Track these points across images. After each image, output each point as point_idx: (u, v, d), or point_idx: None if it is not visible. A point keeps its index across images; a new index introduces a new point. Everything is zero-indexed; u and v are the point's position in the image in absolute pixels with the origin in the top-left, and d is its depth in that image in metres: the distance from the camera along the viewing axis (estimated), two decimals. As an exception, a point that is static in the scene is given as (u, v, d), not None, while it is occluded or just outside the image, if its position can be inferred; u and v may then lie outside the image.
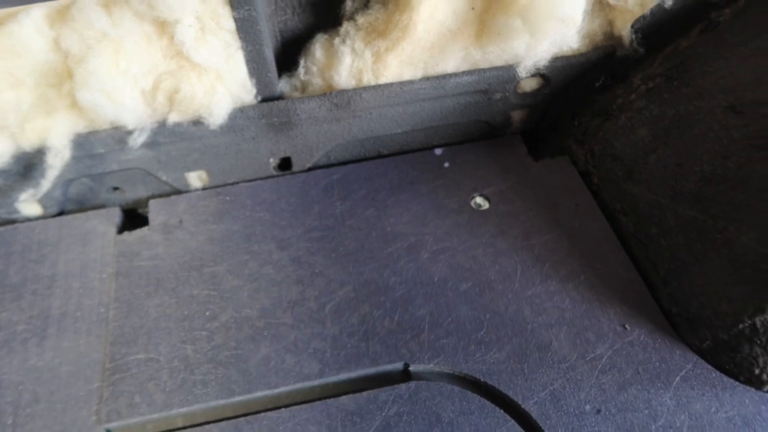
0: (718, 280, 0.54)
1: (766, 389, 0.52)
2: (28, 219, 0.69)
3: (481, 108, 0.69)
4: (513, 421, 0.51)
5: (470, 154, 0.71)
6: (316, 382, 0.55)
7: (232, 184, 0.71)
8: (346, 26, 0.64)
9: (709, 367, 0.54)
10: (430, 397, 0.53)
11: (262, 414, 0.53)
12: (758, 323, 0.51)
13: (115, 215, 0.69)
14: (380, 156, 0.73)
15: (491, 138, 0.73)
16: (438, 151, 0.72)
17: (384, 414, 0.52)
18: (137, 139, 0.63)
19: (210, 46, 0.57)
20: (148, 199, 0.71)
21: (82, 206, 0.71)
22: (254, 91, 0.63)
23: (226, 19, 0.57)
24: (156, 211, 0.69)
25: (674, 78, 0.65)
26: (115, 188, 0.70)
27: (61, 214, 0.70)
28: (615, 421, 0.51)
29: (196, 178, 0.70)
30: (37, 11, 0.55)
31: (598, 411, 0.52)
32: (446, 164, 0.70)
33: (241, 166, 0.70)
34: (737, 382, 0.53)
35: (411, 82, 0.65)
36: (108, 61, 0.54)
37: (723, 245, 0.55)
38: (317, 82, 0.66)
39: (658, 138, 0.63)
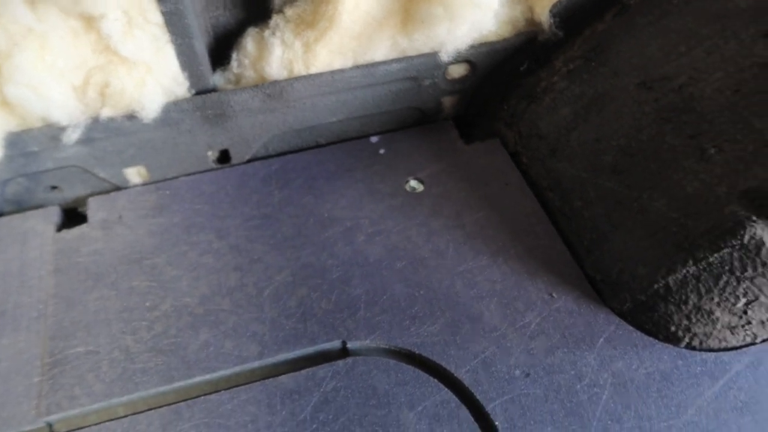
0: (635, 246, 0.57)
1: (682, 345, 0.56)
2: (-36, 222, 0.68)
3: (412, 95, 0.71)
4: (446, 389, 0.53)
5: (405, 140, 0.74)
6: (255, 364, 0.56)
7: (172, 178, 0.72)
8: (275, 19, 0.66)
9: (630, 328, 0.57)
10: (366, 371, 0.54)
11: (202, 398, 0.54)
12: (671, 282, 0.54)
13: (54, 214, 0.69)
14: (318, 146, 0.74)
15: (424, 124, 0.75)
16: (374, 139, 0.74)
17: (322, 390, 0.53)
18: (71, 136, 0.63)
19: (137, 40, 0.58)
20: (87, 197, 0.71)
21: (20, 207, 0.71)
22: (187, 84, 0.65)
23: (153, 13, 0.58)
24: (95, 208, 0.69)
25: (592, 59, 0.69)
26: (53, 187, 0.70)
27: (-2, 215, 0.70)
28: (543, 383, 0.53)
29: (135, 174, 0.71)
30: (-40, 10, 0.55)
31: (527, 375, 0.54)
32: (382, 151, 0.72)
33: (180, 160, 0.70)
34: (656, 340, 0.56)
35: (342, 71, 0.67)
36: (34, 56, 0.54)
37: (638, 213, 0.58)
38: (250, 74, 0.67)
39: (579, 116, 0.66)
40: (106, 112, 0.62)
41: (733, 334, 0.55)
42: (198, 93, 0.66)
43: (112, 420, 0.54)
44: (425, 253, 0.63)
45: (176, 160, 0.70)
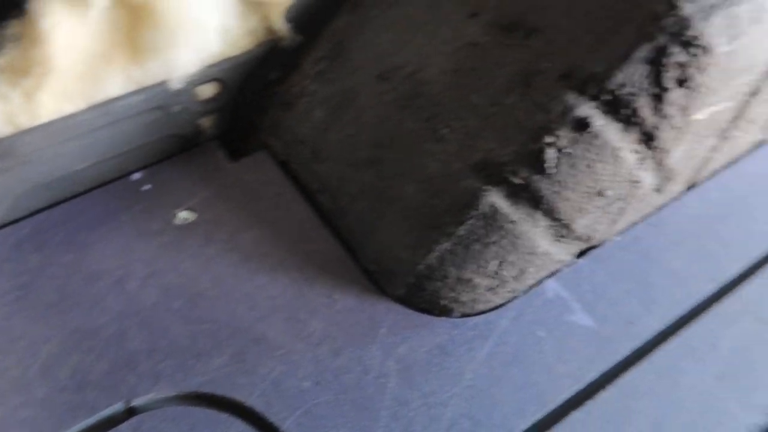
0: (397, 233, 0.60)
1: (455, 315, 0.59)
2: None
3: (164, 124, 0.68)
4: (240, 419, 0.53)
5: (169, 171, 0.71)
6: (30, 452, 0.51)
7: None
8: (-17, 72, 0.60)
9: (409, 311, 0.60)
10: (153, 426, 0.52)
11: (-28, 507, 0.49)
12: (432, 261, 0.58)
13: None
14: (76, 195, 0.69)
15: (187, 150, 0.73)
16: (136, 176, 0.70)
17: (108, 459, 0.50)
18: None
19: None
20: None
21: None
22: None
23: None
24: None
25: (335, 58, 0.70)
26: None
27: None
28: (332, 387, 0.54)
29: None
30: None
31: (318, 383, 0.55)
32: (146, 187, 0.69)
33: None
34: (433, 317, 0.59)
35: (74, 114, 0.62)
36: None
37: (395, 200, 0.61)
38: (-32, 137, 0.61)
39: (332, 116, 0.68)
40: None
41: (495, 294, 0.60)
42: None
43: None
44: (203, 286, 0.61)
45: None
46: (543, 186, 0.54)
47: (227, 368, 0.55)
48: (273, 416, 0.52)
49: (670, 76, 0.51)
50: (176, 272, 0.62)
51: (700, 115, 0.55)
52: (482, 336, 0.57)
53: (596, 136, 0.53)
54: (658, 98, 0.52)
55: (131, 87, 0.65)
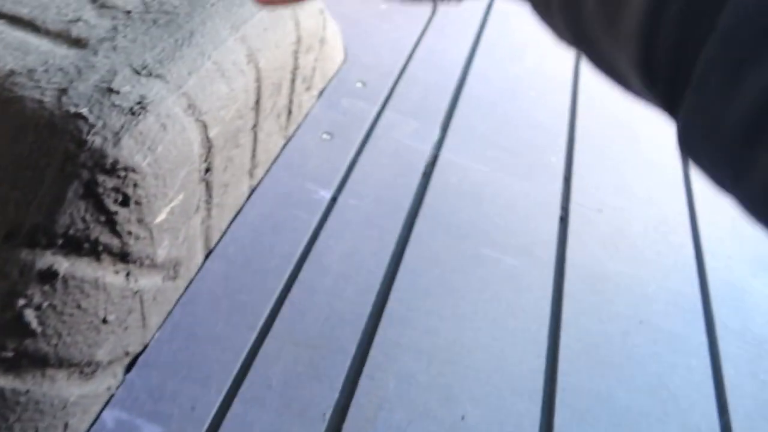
0: None
1: None
2: None
3: None
4: None
5: None
6: None
7: None
8: None
9: None
10: None
11: None
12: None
13: None
14: None
15: None
16: None
17: None
18: None
19: None
20: None
21: None
22: None
23: None
24: None
25: None
26: None
27: None
28: None
29: None
30: None
31: None
32: None
33: None
34: None
35: None
36: None
37: None
38: None
39: None
40: None
41: None
42: None
43: None
44: None
45: None
46: (41, 345, 0.53)
47: None
48: None
49: (110, 201, 0.55)
50: None
51: (161, 217, 0.60)
52: None
53: (70, 278, 0.54)
54: (110, 223, 0.55)
55: None
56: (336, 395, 0.69)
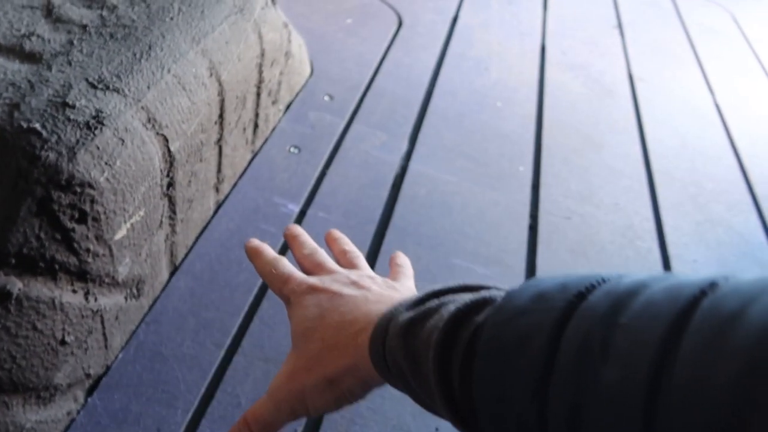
0: None
1: None
2: None
3: None
4: None
5: None
6: None
7: None
8: None
9: None
10: None
11: None
12: None
13: None
14: None
15: None
16: None
17: None
18: None
19: None
20: None
21: None
22: None
23: None
24: None
25: None
26: None
27: None
28: None
29: None
30: None
31: None
32: None
33: None
34: None
35: None
36: None
37: None
38: None
39: None
40: None
41: None
42: None
43: None
44: None
45: None
46: (-7, 369, 0.51)
47: None
48: None
49: (66, 218, 0.53)
50: None
51: (121, 233, 0.59)
52: None
53: (24, 299, 0.52)
54: (66, 240, 0.54)
55: None
56: (307, 411, 0.68)
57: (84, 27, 0.65)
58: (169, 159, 0.65)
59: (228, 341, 0.72)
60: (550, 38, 1.59)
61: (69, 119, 0.54)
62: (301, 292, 0.44)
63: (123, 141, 0.57)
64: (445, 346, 0.31)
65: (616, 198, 1.12)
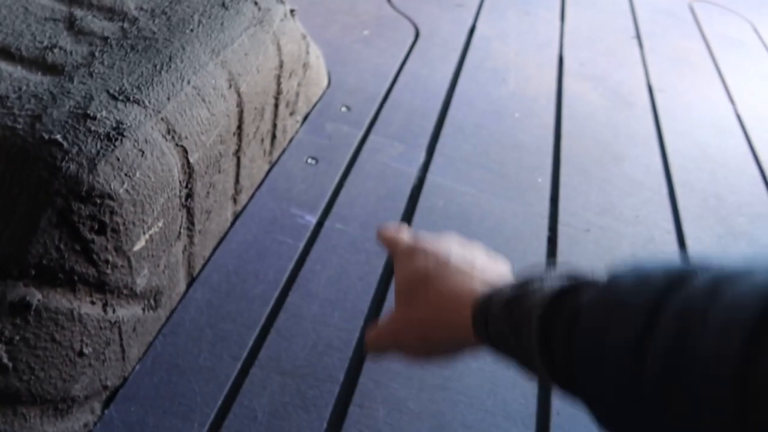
0: None
1: None
2: None
3: None
4: None
5: None
6: None
7: None
8: None
9: None
10: None
11: None
12: None
13: None
14: None
15: None
16: None
17: None
18: None
19: None
20: None
21: None
22: None
23: None
24: None
25: None
26: None
27: None
28: None
29: None
30: None
31: None
32: None
33: None
34: None
35: None
36: None
37: None
38: None
39: None
40: None
41: None
42: None
43: None
44: None
45: None
46: (11, 381, 0.51)
47: None
48: None
49: (86, 229, 0.53)
50: None
51: (139, 244, 0.58)
52: None
53: (43, 310, 0.52)
54: (86, 251, 0.53)
55: None
56: (324, 425, 0.67)
57: (105, 39, 0.66)
58: (188, 170, 0.65)
59: (245, 353, 0.71)
60: (568, 49, 1.58)
61: (90, 130, 0.54)
62: (411, 248, 0.48)
63: (143, 152, 0.57)
64: (547, 322, 0.34)
65: (637, 210, 1.10)
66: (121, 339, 0.60)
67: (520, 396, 0.75)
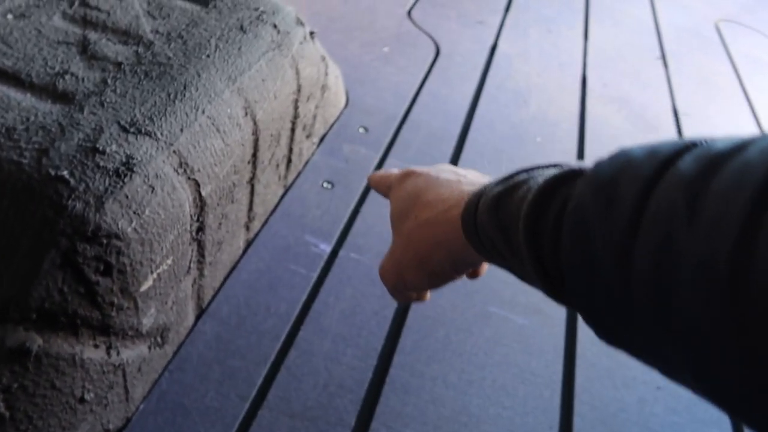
0: None
1: None
2: None
3: None
4: None
5: None
6: None
7: None
8: None
9: None
10: None
11: None
12: None
13: None
14: None
15: None
16: None
17: None
18: None
19: None
20: None
21: None
22: None
23: None
24: None
25: None
26: None
27: None
28: None
29: None
30: None
31: None
32: None
33: None
34: None
35: None
36: None
37: None
38: None
39: None
40: None
41: None
42: None
43: None
44: None
45: None
46: (8, 431, 0.48)
47: None
48: None
49: (91, 271, 0.50)
50: None
51: (147, 284, 0.56)
52: None
53: (43, 356, 0.49)
54: (90, 294, 0.51)
55: None
56: (334, 474, 0.64)
57: (119, 65, 0.63)
58: (200, 203, 0.62)
59: (253, 393, 0.68)
60: (591, 69, 1.54)
61: (98, 166, 0.52)
62: (402, 176, 0.48)
63: (153, 188, 0.55)
64: (534, 217, 0.32)
65: (662, 243, 1.06)
66: (125, 381, 0.58)
67: (540, 445, 0.72)
